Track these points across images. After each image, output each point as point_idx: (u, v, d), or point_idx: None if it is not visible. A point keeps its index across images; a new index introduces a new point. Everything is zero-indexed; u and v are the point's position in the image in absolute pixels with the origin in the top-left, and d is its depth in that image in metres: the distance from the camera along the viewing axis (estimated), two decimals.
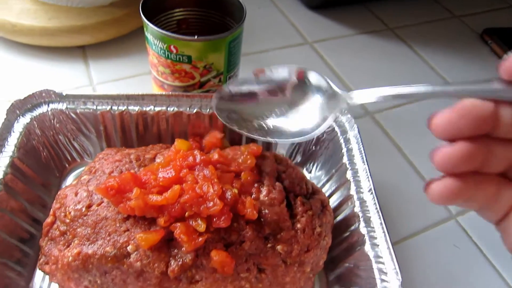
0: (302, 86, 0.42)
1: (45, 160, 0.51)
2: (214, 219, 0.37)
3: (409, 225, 0.56)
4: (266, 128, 0.41)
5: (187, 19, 0.58)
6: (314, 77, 0.41)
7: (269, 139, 0.41)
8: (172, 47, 0.49)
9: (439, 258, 0.53)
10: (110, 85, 0.69)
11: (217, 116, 0.43)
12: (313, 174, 0.57)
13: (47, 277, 0.45)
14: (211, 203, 0.36)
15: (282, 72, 0.42)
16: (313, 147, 0.56)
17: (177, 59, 0.50)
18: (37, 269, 0.46)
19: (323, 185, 0.54)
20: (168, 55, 0.50)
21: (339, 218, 0.47)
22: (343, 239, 0.46)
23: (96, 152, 0.55)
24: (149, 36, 0.51)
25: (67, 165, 0.55)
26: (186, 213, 0.37)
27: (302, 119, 0.41)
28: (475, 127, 0.28)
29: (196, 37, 0.48)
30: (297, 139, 0.41)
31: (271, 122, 0.42)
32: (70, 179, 0.54)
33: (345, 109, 0.39)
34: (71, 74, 0.70)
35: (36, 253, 0.47)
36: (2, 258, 0.41)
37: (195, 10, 0.58)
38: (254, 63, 0.78)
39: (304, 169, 0.58)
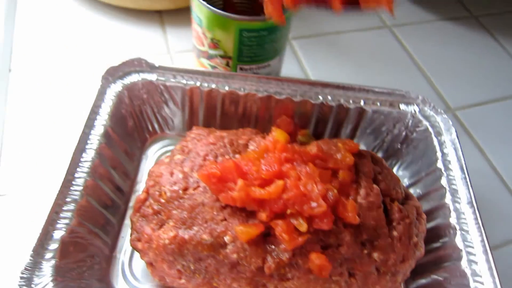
0: None
1: (130, 129, 0.51)
2: (316, 220, 0.36)
3: (495, 238, 0.53)
4: None
5: None
6: None
7: None
8: (193, 3, 0.49)
9: None
10: (188, 55, 0.67)
11: None
12: (395, 173, 0.54)
13: (128, 246, 0.45)
14: (315, 203, 0.35)
15: None
16: (399, 144, 0.54)
17: (194, 17, 0.50)
18: (119, 238, 0.46)
19: (408, 187, 0.52)
20: (192, 10, 0.50)
21: (428, 225, 0.46)
22: (432, 249, 0.44)
23: (178, 125, 0.54)
24: None
25: (148, 136, 0.54)
26: (288, 210, 0.36)
27: None
28: None
29: (205, 2, 0.46)
30: None
31: None
32: (151, 150, 0.54)
33: None
34: (149, 39, 0.69)
35: (118, 222, 0.47)
36: (94, 227, 0.41)
37: None
38: (328, 45, 0.75)
39: None
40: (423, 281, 0.44)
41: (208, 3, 0.52)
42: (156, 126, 0.54)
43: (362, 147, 0.56)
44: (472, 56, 0.79)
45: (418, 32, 0.82)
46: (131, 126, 0.51)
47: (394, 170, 0.54)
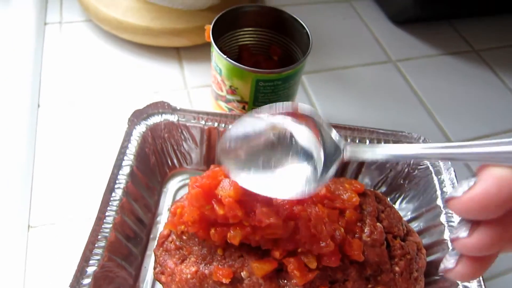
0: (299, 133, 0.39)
1: (152, 165, 0.55)
2: (324, 258, 0.39)
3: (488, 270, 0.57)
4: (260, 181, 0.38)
5: (254, 39, 0.61)
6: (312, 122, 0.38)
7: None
8: (213, 54, 0.53)
9: None
10: (204, 90, 0.72)
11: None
12: (398, 206, 0.58)
13: (150, 277, 0.49)
14: (324, 243, 0.39)
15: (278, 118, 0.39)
16: (401, 180, 0.57)
17: (214, 66, 0.54)
18: (142, 268, 0.50)
19: (410, 220, 0.55)
20: (211, 59, 0.55)
21: (428, 259, 0.49)
22: (432, 281, 0.47)
23: (195, 160, 0.59)
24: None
25: (168, 171, 0.58)
26: (299, 249, 0.39)
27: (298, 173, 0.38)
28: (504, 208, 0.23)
29: (225, 56, 0.51)
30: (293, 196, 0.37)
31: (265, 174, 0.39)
32: (171, 184, 0.58)
33: (343, 161, 0.36)
34: (167, 75, 0.74)
35: (140, 253, 0.51)
36: (121, 260, 0.45)
37: (263, 31, 0.60)
38: (336, 80, 0.79)
39: (388, 199, 0.59)
40: None
41: (224, 49, 0.56)
42: (175, 161, 0.58)
43: (367, 181, 0.60)
44: (473, 90, 0.82)
45: (421, 66, 0.86)
46: (153, 163, 0.55)
47: (397, 203, 0.58)
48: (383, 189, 0.60)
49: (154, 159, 0.55)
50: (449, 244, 0.47)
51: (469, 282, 0.44)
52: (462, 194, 0.24)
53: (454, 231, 0.26)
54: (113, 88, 0.70)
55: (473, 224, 0.25)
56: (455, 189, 0.25)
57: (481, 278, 0.44)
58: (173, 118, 0.54)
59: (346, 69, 0.82)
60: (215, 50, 0.51)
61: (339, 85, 0.79)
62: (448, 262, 0.27)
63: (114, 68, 0.73)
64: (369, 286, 0.42)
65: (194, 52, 0.77)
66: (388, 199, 0.59)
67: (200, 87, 0.73)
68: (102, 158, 0.54)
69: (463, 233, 0.25)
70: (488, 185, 0.23)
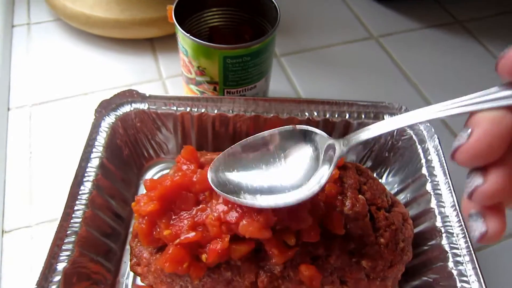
0: (294, 143, 0.39)
1: (126, 157, 0.53)
2: (303, 233, 0.38)
3: None
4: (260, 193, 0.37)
5: (223, 19, 0.59)
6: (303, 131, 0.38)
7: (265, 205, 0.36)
8: (178, 36, 0.51)
9: None
10: (179, 80, 0.70)
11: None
12: (384, 180, 0.56)
13: (130, 271, 0.47)
14: (302, 218, 0.37)
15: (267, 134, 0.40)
16: (386, 153, 0.55)
17: (180, 47, 0.52)
18: (122, 263, 0.48)
19: (397, 193, 0.53)
20: (178, 41, 0.53)
21: (416, 230, 0.47)
22: (422, 252, 0.46)
23: (172, 149, 0.57)
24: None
25: (144, 162, 0.56)
26: (277, 226, 0.37)
27: (298, 178, 0.37)
28: (506, 144, 0.24)
29: (188, 34, 0.49)
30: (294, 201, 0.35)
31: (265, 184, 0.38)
32: (148, 175, 0.56)
33: (342, 155, 0.35)
34: (141, 67, 0.72)
35: (119, 248, 0.49)
36: (96, 256, 0.43)
37: (232, 10, 0.58)
38: (317, 60, 0.77)
39: (375, 174, 0.57)
40: (415, 282, 0.46)
41: (193, 32, 0.54)
42: (151, 152, 0.56)
43: (352, 156, 0.58)
44: (458, 60, 0.80)
45: (404, 40, 0.84)
46: (127, 155, 0.53)
47: (384, 177, 0.56)
48: (369, 163, 0.58)
49: (127, 150, 0.53)
50: (436, 212, 0.45)
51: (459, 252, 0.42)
52: (466, 140, 0.25)
53: (467, 186, 0.26)
54: (86, 86, 0.68)
55: (483, 171, 0.25)
56: (457, 140, 0.26)
57: (471, 249, 0.42)
58: (143, 106, 0.52)
59: (327, 48, 0.80)
60: (179, 31, 0.49)
61: (320, 65, 0.77)
62: (478, 227, 0.26)
63: (85, 66, 0.71)
64: (354, 259, 0.40)
65: (168, 41, 0.75)
66: (375, 174, 0.57)
67: (175, 76, 0.70)
68: (76, 157, 0.52)
69: (478, 181, 0.25)
70: (486, 126, 0.24)
